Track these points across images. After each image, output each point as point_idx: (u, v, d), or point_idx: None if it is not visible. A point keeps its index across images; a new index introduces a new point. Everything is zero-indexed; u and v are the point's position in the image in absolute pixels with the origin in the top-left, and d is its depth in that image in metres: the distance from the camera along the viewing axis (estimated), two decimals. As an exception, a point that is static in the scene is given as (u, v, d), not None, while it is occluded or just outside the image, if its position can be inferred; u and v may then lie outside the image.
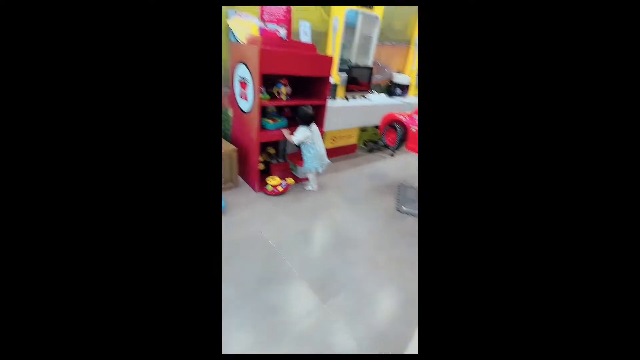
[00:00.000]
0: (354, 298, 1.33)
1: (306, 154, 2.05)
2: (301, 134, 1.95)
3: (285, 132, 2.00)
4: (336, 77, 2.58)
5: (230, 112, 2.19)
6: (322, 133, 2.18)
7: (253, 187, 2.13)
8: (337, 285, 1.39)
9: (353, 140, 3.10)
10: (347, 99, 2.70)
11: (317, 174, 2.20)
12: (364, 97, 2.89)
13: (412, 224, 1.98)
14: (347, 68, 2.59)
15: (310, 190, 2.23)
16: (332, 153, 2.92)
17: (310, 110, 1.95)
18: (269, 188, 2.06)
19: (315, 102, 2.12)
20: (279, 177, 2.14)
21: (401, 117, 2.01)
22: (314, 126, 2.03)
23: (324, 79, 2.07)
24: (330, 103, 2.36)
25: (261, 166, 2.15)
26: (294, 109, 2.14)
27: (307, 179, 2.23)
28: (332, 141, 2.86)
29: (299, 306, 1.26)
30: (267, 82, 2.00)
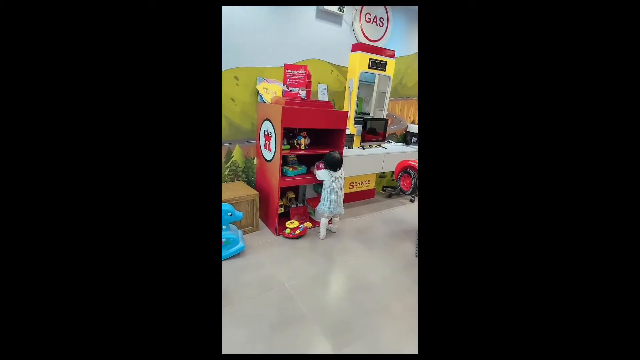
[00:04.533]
0: (368, 350, 1.26)
1: (325, 195, 2.15)
2: (322, 175, 2.10)
3: (314, 167, 2.20)
4: (352, 128, 2.79)
5: (256, 161, 2.42)
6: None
7: (272, 230, 2.22)
8: (352, 334, 1.34)
9: (371, 185, 3.17)
10: (363, 147, 2.87)
11: (329, 219, 2.26)
12: (380, 145, 3.05)
13: (432, 271, 1.89)
14: (363, 120, 2.81)
15: (320, 239, 2.21)
16: (350, 198, 3.00)
17: (337, 156, 2.08)
18: (287, 231, 2.14)
19: (332, 150, 2.29)
20: (297, 221, 2.22)
21: (413, 163, 2.09)
22: (338, 173, 2.13)
23: (340, 131, 2.27)
24: (346, 152, 2.53)
25: (281, 210, 2.26)
26: (313, 157, 2.33)
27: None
28: (351, 187, 2.96)
29: (311, 354, 1.22)
30: (289, 134, 2.24)
